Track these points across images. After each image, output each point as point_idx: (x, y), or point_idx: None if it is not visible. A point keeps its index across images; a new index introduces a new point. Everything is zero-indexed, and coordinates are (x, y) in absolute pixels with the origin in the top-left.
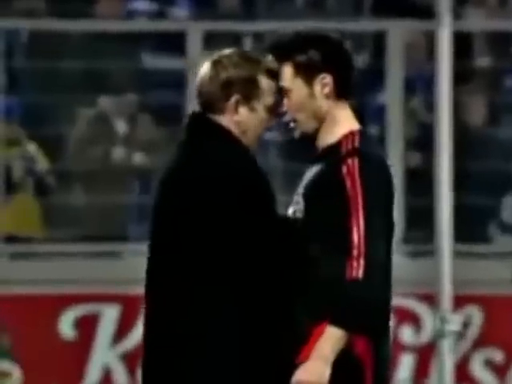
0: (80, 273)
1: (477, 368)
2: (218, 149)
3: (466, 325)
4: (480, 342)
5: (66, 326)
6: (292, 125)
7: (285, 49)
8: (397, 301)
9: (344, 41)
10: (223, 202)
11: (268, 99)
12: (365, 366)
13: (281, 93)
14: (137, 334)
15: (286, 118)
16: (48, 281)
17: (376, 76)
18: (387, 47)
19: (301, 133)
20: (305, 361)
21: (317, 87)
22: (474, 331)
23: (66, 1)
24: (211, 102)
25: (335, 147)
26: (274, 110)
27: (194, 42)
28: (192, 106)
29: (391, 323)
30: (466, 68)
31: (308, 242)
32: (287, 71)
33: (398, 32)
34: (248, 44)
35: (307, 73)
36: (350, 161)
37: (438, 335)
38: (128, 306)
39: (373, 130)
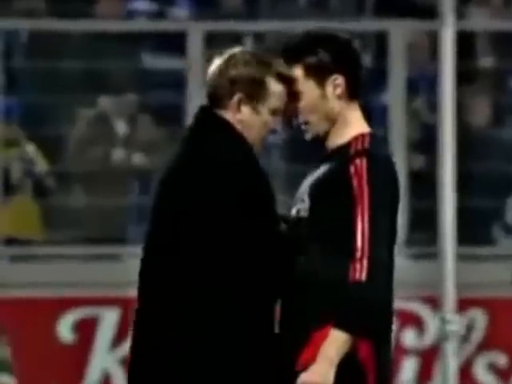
0: (79, 275)
1: (480, 371)
2: (219, 145)
3: (469, 328)
4: (483, 346)
5: (65, 329)
6: (304, 127)
7: (294, 51)
8: (400, 303)
9: (352, 40)
10: (222, 202)
11: (274, 102)
12: (367, 370)
13: (291, 97)
14: None
15: (299, 120)
16: (47, 283)
17: (378, 76)
18: (390, 47)
19: (313, 135)
20: (306, 363)
21: (329, 88)
22: (477, 334)
23: (65, 1)
24: (217, 97)
25: (344, 148)
26: (280, 114)
27: (195, 42)
28: (192, 106)
29: (394, 326)
30: (470, 68)
31: (309, 241)
32: (298, 74)
33: (401, 32)
34: (249, 44)
35: (318, 74)
36: (358, 161)
37: (442, 338)
38: (128, 309)
39: (375, 130)
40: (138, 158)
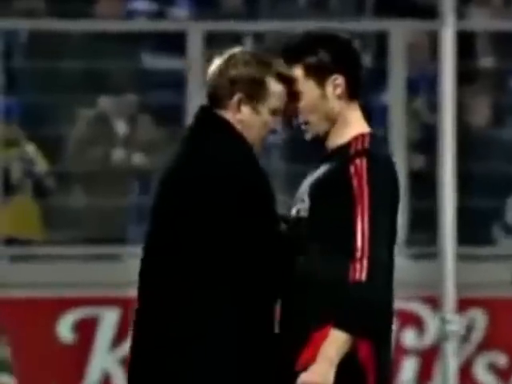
0: (79, 275)
1: (480, 372)
2: (219, 145)
3: (469, 328)
4: (484, 346)
5: (65, 329)
6: (304, 127)
7: (294, 51)
8: (400, 304)
9: (353, 40)
10: (222, 202)
11: (274, 102)
12: (367, 371)
13: (291, 97)
14: None
15: (299, 120)
16: (47, 284)
17: (378, 76)
18: (390, 47)
19: (313, 135)
20: (306, 363)
21: (329, 88)
22: (477, 334)
23: (65, 1)
24: (217, 97)
25: (344, 148)
26: (280, 114)
27: (194, 42)
28: (192, 106)
29: (394, 326)
30: (470, 68)
31: (309, 241)
32: (298, 74)
33: (401, 32)
34: (249, 44)
35: (318, 74)
36: (358, 161)
37: (442, 338)
38: (128, 309)
39: (375, 130)
40: (138, 158)
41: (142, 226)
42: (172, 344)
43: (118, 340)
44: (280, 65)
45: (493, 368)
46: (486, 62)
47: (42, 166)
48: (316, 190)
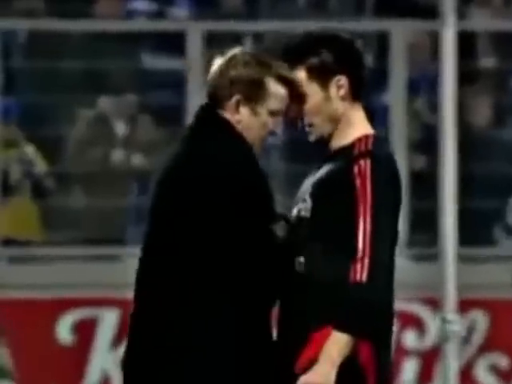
0: (79, 276)
1: (481, 373)
2: (219, 145)
3: (470, 329)
4: (485, 347)
5: (65, 330)
6: (308, 129)
7: (296, 52)
8: (400, 305)
9: (355, 40)
10: (221, 202)
11: (273, 103)
12: (368, 373)
13: (295, 98)
14: None
15: (303, 122)
16: (46, 285)
17: (379, 76)
18: (390, 47)
19: (317, 136)
20: (308, 363)
21: (332, 90)
22: (478, 336)
23: (65, 1)
24: (217, 97)
25: (348, 149)
26: (279, 115)
27: (194, 42)
28: (192, 106)
29: (394, 327)
30: (471, 69)
31: (310, 241)
32: (301, 75)
33: (402, 32)
34: (248, 44)
35: (322, 76)
36: (362, 162)
37: (443, 339)
38: (127, 310)
39: (376, 131)
40: (138, 159)
41: (141, 227)
42: (171, 344)
43: (117, 341)
44: (280, 66)
45: (494, 370)
46: (487, 62)
47: (41, 166)
48: (318, 190)
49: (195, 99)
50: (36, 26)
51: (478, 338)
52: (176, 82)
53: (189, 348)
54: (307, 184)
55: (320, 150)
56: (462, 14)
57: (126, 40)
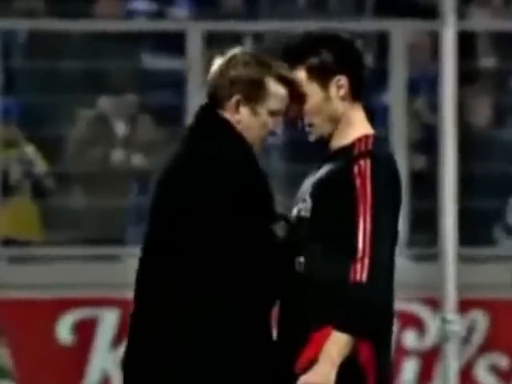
0: (79, 276)
1: (481, 373)
2: (219, 145)
3: (470, 329)
4: (485, 347)
5: (65, 330)
6: (308, 129)
7: (296, 52)
8: (400, 305)
9: (355, 40)
10: (221, 202)
11: (273, 103)
12: (368, 373)
13: (295, 98)
14: None
15: (303, 122)
16: (46, 285)
17: (379, 77)
18: (390, 47)
19: (317, 136)
20: (308, 363)
21: (332, 90)
22: (478, 336)
23: (65, 1)
24: (217, 97)
25: (348, 149)
26: (279, 115)
27: (194, 42)
28: (192, 106)
29: (394, 327)
30: (471, 69)
31: (310, 241)
32: (301, 75)
33: (402, 32)
34: (248, 44)
35: (321, 76)
36: (362, 162)
37: (443, 339)
38: (127, 310)
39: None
40: (138, 159)
41: (141, 227)
42: (170, 344)
43: (117, 341)
44: (280, 66)
45: (494, 370)
46: (487, 62)
47: (41, 166)
48: (318, 190)
49: (195, 99)
50: (36, 26)
51: (477, 338)
52: (176, 82)
53: (189, 348)
54: (307, 184)
55: (320, 150)
56: (461, 14)
57: (125, 40)
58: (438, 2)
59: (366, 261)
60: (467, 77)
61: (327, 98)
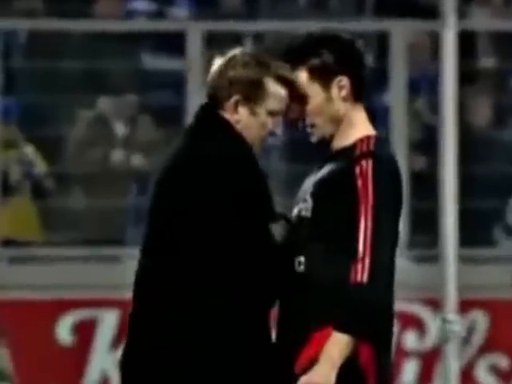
0: (78, 277)
1: (482, 374)
2: (219, 145)
3: (470, 330)
4: (485, 348)
5: (64, 331)
6: (310, 130)
7: (297, 53)
8: (401, 306)
9: (355, 40)
10: (221, 202)
11: (272, 104)
12: (368, 375)
13: (296, 99)
14: None
15: (305, 122)
16: (46, 285)
17: (380, 77)
18: (391, 48)
19: (319, 137)
20: (308, 363)
21: (334, 90)
22: (479, 336)
23: (64, 1)
24: (216, 97)
25: (349, 149)
26: (279, 115)
27: (194, 43)
28: (192, 106)
29: (395, 328)
30: (471, 69)
31: (311, 241)
32: (302, 76)
33: (402, 32)
34: (248, 44)
35: (323, 76)
36: (363, 162)
37: (443, 340)
38: (127, 311)
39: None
40: (138, 160)
41: (141, 228)
42: (170, 344)
43: (117, 342)
44: (280, 66)
45: (494, 370)
46: (487, 62)
47: (41, 167)
48: (319, 190)
49: (195, 99)
50: (36, 26)
51: (478, 339)
52: (176, 83)
53: (188, 348)
54: (308, 184)
55: (320, 150)
56: (462, 14)
57: (125, 40)
58: (439, 1)
59: (367, 261)
60: (467, 77)
61: (329, 99)
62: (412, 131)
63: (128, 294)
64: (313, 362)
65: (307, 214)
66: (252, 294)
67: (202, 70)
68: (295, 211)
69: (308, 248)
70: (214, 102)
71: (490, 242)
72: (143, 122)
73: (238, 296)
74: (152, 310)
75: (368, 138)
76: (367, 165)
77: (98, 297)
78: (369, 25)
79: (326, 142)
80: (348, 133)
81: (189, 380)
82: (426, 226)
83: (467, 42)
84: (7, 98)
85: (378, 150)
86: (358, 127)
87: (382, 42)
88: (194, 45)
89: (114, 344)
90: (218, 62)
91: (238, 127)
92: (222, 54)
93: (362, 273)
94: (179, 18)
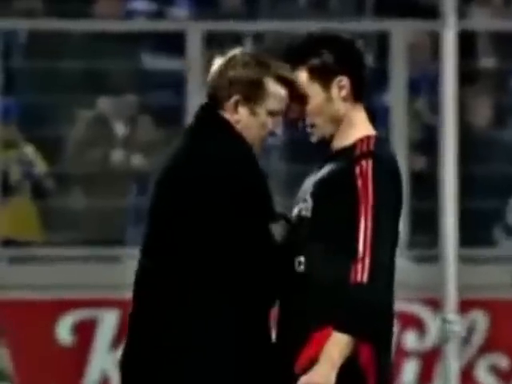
0: (78, 277)
1: (482, 374)
2: (219, 145)
3: (470, 330)
4: (485, 348)
5: (64, 331)
6: (310, 130)
7: (297, 53)
8: (401, 306)
9: (355, 40)
10: (221, 202)
11: (271, 104)
12: (368, 375)
13: (296, 99)
14: None
15: (304, 122)
16: (46, 285)
17: (380, 77)
18: (391, 48)
19: (319, 137)
20: (308, 362)
21: (334, 90)
22: (479, 336)
23: (64, 1)
24: (216, 98)
25: (349, 149)
26: (279, 115)
27: (194, 43)
28: (192, 106)
29: (395, 328)
30: (471, 69)
31: (311, 241)
32: (302, 76)
33: (402, 32)
34: (248, 44)
35: (323, 77)
36: (363, 162)
37: (443, 340)
38: (127, 311)
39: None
40: (138, 160)
41: (141, 228)
42: (170, 344)
43: (117, 342)
44: (280, 66)
45: (494, 370)
46: (488, 62)
47: (40, 167)
48: (320, 190)
49: (195, 99)
50: (36, 26)
51: (478, 339)
52: (176, 83)
53: (188, 348)
54: (308, 184)
55: (320, 150)
56: (462, 14)
57: (125, 40)
58: (439, 1)
59: (367, 262)
60: (467, 77)
61: (329, 99)
62: (412, 131)
63: (128, 294)
64: (313, 362)
65: (307, 213)
66: (252, 294)
67: (201, 70)
68: (295, 211)
69: (308, 248)
70: (213, 102)
71: (490, 242)
72: (143, 122)
73: (238, 296)
74: (152, 310)
75: (368, 137)
76: (367, 165)
77: (98, 297)
78: (369, 25)
79: (325, 142)
80: (348, 133)
81: (189, 380)
82: (426, 226)
83: (467, 42)
84: (7, 98)
85: (378, 150)
86: (358, 127)
87: (382, 42)
88: (194, 45)
89: (114, 344)
90: (218, 62)
91: (238, 127)
92: (222, 54)
93: (362, 273)
94: (179, 17)
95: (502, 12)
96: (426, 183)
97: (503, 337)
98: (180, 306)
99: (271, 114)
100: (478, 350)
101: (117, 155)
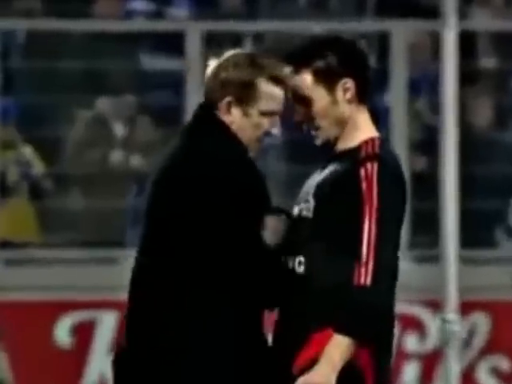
0: (77, 279)
1: (483, 376)
2: (215, 145)
3: (471, 332)
4: (486, 350)
5: (63, 332)
6: (314, 132)
7: (301, 56)
8: (401, 307)
9: (358, 41)
10: (218, 203)
11: (264, 105)
12: (366, 377)
13: (301, 102)
14: None
15: (309, 125)
16: (44, 287)
17: (380, 77)
18: (391, 48)
19: (323, 140)
20: (308, 363)
21: (339, 93)
22: (479, 338)
23: (63, 1)
24: (210, 99)
25: (354, 151)
26: (274, 116)
27: (193, 43)
28: (190, 106)
29: (395, 330)
30: (472, 69)
31: (312, 241)
32: (307, 79)
33: (403, 32)
34: (248, 44)
35: (328, 79)
36: (368, 165)
37: (444, 342)
38: None
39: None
40: (137, 160)
41: (139, 229)
42: (167, 345)
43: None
44: (275, 67)
45: (495, 372)
46: (488, 62)
47: (39, 167)
48: (323, 191)
49: (194, 100)
50: (35, 26)
51: (479, 341)
52: (175, 83)
53: (186, 349)
54: (310, 184)
55: (320, 151)
56: (462, 14)
57: (124, 40)
58: (439, 2)
59: (371, 264)
60: (468, 77)
61: (334, 102)
62: (412, 131)
63: (126, 296)
64: (313, 362)
65: (308, 214)
66: (250, 294)
67: (201, 71)
68: (296, 211)
69: (309, 248)
70: (208, 103)
71: (491, 243)
72: (142, 122)
73: (236, 296)
74: (149, 311)
75: (373, 140)
76: (372, 167)
77: (97, 298)
78: (369, 25)
79: (330, 144)
80: (353, 135)
81: (186, 381)
82: (427, 226)
83: (468, 43)
84: (5, 99)
85: (384, 152)
86: (363, 129)
87: (382, 43)
88: (194, 45)
89: (113, 346)
90: (212, 64)
91: (234, 128)
92: (220, 54)
93: (365, 275)
94: (178, 18)
95: (503, 12)
96: (427, 184)
97: (504, 339)
98: (177, 307)
99: (264, 114)
100: (479, 351)
101: (116, 156)
